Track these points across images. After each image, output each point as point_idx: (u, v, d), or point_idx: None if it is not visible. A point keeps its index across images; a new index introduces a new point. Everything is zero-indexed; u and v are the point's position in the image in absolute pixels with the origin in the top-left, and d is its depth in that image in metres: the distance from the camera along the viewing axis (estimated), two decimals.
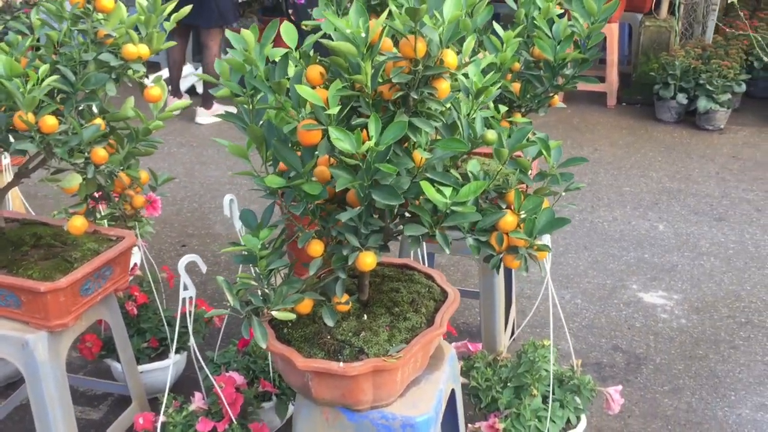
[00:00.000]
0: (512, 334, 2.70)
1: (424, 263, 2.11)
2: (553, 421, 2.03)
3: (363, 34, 1.20)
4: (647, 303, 3.06)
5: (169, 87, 5.28)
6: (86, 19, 1.78)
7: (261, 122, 1.39)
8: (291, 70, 1.35)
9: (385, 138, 1.20)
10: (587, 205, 3.96)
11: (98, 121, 1.78)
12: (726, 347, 2.76)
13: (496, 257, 1.42)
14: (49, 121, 1.64)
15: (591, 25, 1.83)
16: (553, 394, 2.06)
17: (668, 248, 3.51)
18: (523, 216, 1.41)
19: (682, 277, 3.25)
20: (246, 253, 1.40)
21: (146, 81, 1.93)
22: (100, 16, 1.80)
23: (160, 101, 1.89)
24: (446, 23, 1.21)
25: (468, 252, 1.97)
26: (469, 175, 1.40)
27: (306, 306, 1.45)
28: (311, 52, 1.41)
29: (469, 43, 1.35)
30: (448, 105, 1.35)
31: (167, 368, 2.40)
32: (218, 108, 5.37)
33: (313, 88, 1.30)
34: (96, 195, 2.05)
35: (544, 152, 1.42)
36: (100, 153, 1.75)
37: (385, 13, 1.23)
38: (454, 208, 1.28)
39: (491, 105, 1.45)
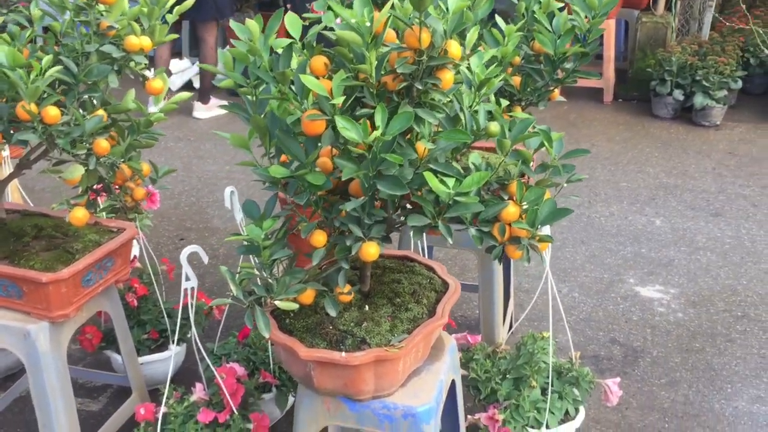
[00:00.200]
0: (510, 327, 2.71)
1: (424, 256, 2.12)
2: (552, 413, 2.04)
3: (368, 24, 1.20)
4: (644, 297, 3.08)
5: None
6: (89, 10, 1.78)
7: (264, 113, 1.39)
8: (294, 62, 1.36)
9: (391, 128, 1.21)
10: (584, 200, 3.98)
11: (100, 112, 1.78)
12: (722, 340, 2.78)
13: (498, 248, 1.43)
14: (52, 112, 1.65)
15: (592, 20, 1.83)
16: (552, 385, 2.07)
17: (665, 243, 3.53)
18: (525, 207, 1.41)
19: (679, 272, 3.27)
20: (248, 243, 1.40)
21: (148, 73, 1.94)
22: (102, 7, 1.80)
23: (161, 93, 1.90)
24: (451, 14, 1.22)
25: (468, 244, 1.99)
26: (471, 166, 1.41)
27: (308, 296, 1.46)
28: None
29: (473, 34, 1.36)
30: (451, 97, 1.36)
31: (167, 360, 2.41)
32: (215, 103, 5.37)
33: (318, 78, 1.30)
34: (96, 187, 2.06)
35: (546, 144, 1.43)
36: (102, 144, 1.76)
37: (390, 3, 1.24)
38: (457, 198, 1.29)
39: (492, 98, 1.46)
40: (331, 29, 1.36)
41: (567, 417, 2.09)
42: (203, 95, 5.36)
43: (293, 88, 1.33)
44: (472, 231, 1.41)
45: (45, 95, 1.67)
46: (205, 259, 1.84)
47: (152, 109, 1.93)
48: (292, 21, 1.37)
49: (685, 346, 2.75)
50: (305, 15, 1.68)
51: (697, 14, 5.71)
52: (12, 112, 1.67)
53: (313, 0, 1.61)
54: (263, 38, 1.32)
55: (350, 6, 1.27)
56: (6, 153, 2.59)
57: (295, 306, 1.41)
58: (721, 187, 4.14)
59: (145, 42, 1.83)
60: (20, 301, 1.80)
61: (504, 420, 2.00)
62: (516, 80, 1.99)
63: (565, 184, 1.47)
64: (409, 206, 1.46)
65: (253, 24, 1.30)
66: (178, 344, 2.42)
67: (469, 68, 1.37)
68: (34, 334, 1.79)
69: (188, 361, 2.58)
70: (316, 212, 1.43)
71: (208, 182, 4.23)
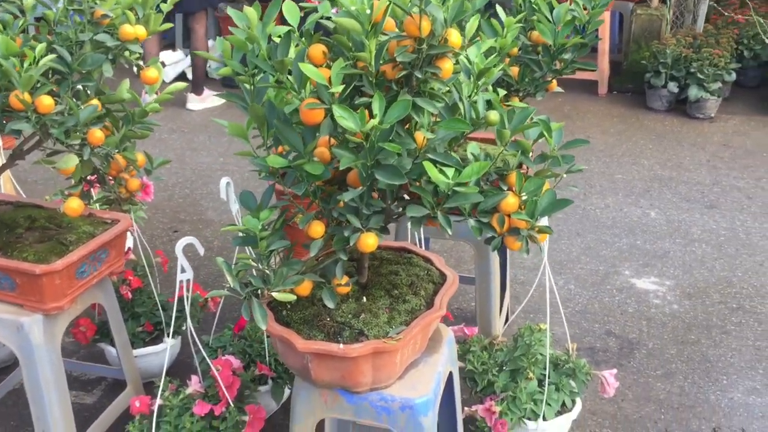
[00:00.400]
0: (506, 319, 2.71)
1: (420, 247, 2.10)
2: (549, 404, 2.04)
3: (368, 11, 1.19)
4: (640, 289, 3.08)
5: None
6: None
7: (262, 102, 1.38)
8: (292, 50, 1.34)
9: (389, 117, 1.20)
10: (580, 192, 3.97)
11: (95, 102, 1.76)
12: (718, 332, 2.78)
13: (498, 239, 1.42)
14: (46, 101, 1.63)
15: (591, 10, 1.82)
16: (549, 377, 2.07)
17: (660, 235, 3.53)
18: (524, 197, 1.41)
19: (674, 264, 3.27)
20: (244, 234, 1.39)
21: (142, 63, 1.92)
22: None
23: (157, 83, 1.88)
24: (451, 1, 1.21)
25: (466, 235, 1.98)
26: (470, 156, 1.40)
27: (305, 288, 1.45)
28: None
29: (473, 23, 1.34)
30: (450, 86, 1.34)
31: (161, 353, 2.39)
32: (209, 94, 5.34)
33: (316, 67, 1.29)
34: (90, 178, 2.04)
35: (545, 134, 1.42)
36: (96, 134, 1.74)
37: None
38: (456, 188, 1.28)
39: (490, 88, 1.45)
40: (329, 18, 1.34)
41: (564, 408, 2.09)
42: (196, 86, 5.33)
43: (291, 78, 1.31)
44: (471, 222, 1.40)
45: (39, 84, 1.65)
46: (201, 251, 1.83)
47: (146, 99, 1.91)
48: (290, 9, 1.35)
49: (681, 337, 2.75)
50: (302, 4, 1.66)
51: (691, 6, 5.71)
52: (5, 101, 1.65)
53: None
54: (261, 26, 1.30)
55: None
56: None
57: (292, 297, 1.40)
58: (716, 180, 4.15)
59: (140, 31, 1.81)
60: (13, 293, 1.78)
61: (501, 412, 2.00)
62: (514, 71, 1.98)
63: (564, 175, 1.46)
64: (407, 197, 1.45)
65: (251, 11, 1.29)
66: (173, 337, 2.41)
67: (467, 58, 1.36)
68: (27, 327, 1.77)
69: (183, 354, 2.57)
70: (313, 203, 1.42)
71: (202, 174, 4.20)
